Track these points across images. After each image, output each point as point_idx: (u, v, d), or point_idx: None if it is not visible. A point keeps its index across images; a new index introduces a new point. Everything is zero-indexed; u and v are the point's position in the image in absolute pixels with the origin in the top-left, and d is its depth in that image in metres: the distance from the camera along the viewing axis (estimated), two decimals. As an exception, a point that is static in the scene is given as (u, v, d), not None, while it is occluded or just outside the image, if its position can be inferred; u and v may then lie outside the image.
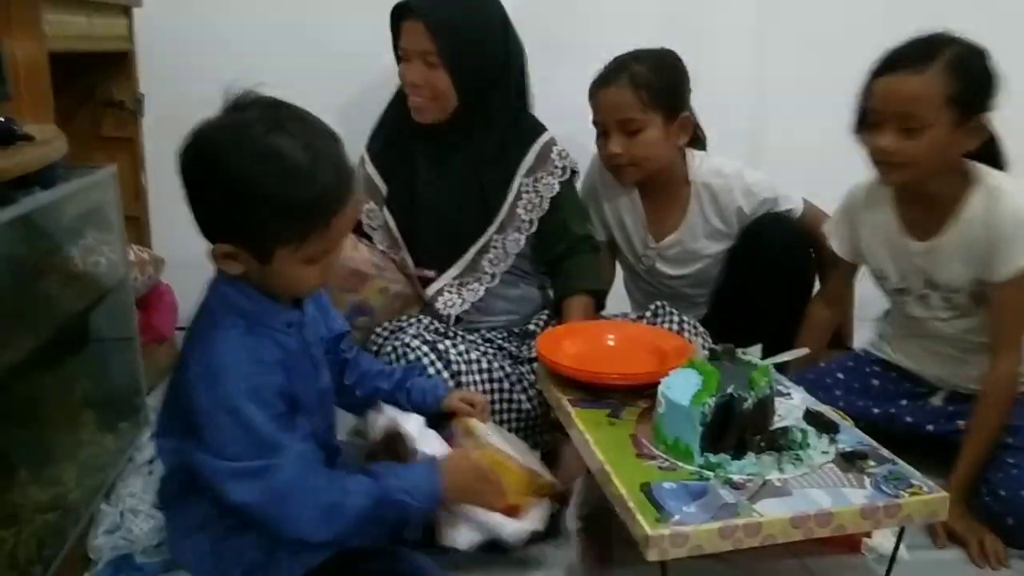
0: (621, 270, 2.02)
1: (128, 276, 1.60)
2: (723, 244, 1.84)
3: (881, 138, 1.41)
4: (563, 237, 1.78)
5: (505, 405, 1.57)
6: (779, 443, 1.19)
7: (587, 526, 1.42)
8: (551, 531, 1.36)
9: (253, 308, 1.08)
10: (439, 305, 1.73)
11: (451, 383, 1.49)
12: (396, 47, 1.72)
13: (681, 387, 1.19)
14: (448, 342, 1.56)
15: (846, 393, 1.66)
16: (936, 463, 1.37)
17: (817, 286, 1.81)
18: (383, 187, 1.77)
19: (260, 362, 1.06)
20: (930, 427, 1.57)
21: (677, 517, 1.04)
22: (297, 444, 1.06)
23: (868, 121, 1.44)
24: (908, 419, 1.60)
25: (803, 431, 1.22)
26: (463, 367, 1.53)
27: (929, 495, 1.11)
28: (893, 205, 1.54)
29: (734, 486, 1.11)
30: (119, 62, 1.92)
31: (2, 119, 1.18)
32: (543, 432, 1.61)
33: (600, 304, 1.82)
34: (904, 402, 1.63)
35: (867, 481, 1.13)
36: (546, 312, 1.81)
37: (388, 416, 1.27)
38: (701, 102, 1.83)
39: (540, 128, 1.78)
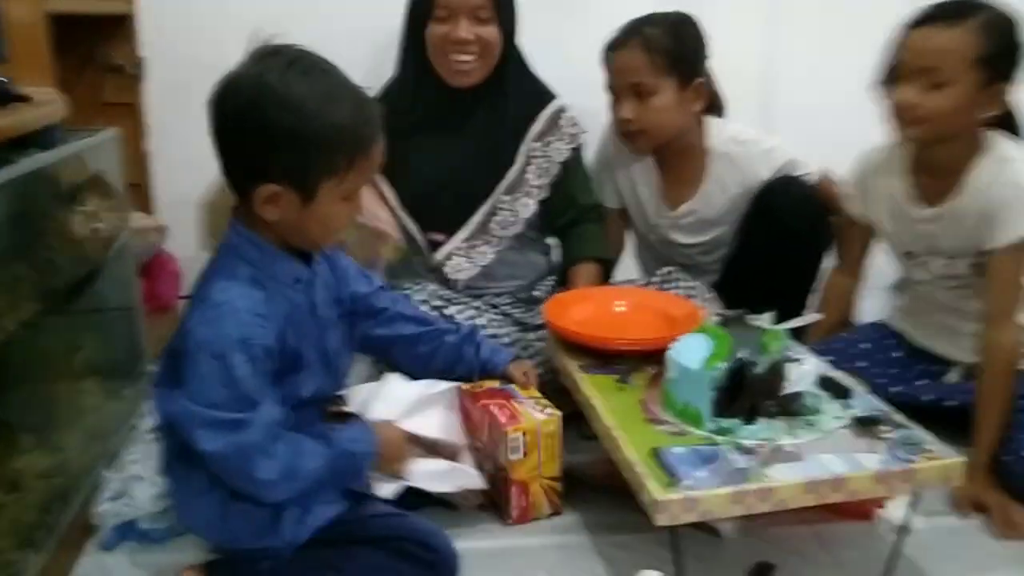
0: (632, 238, 1.99)
1: (130, 242, 1.58)
2: (739, 212, 1.81)
3: (906, 90, 1.40)
4: (572, 205, 1.77)
5: None
6: (791, 408, 1.17)
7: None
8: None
9: (263, 259, 1.10)
10: (448, 270, 1.71)
11: None
12: (428, 8, 1.64)
13: (692, 352, 1.17)
14: (455, 308, 1.56)
15: (872, 365, 1.64)
16: (960, 433, 1.34)
17: (832, 257, 1.77)
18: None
19: (258, 315, 1.06)
20: (951, 402, 1.55)
21: (687, 482, 1.02)
22: (270, 405, 1.07)
23: (895, 74, 1.42)
24: (927, 396, 1.57)
25: (816, 396, 1.20)
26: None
27: (944, 460, 1.09)
28: (904, 172, 1.52)
29: (745, 451, 1.09)
30: (119, 25, 1.89)
31: (-2, 79, 1.16)
32: (551, 398, 1.59)
33: (607, 273, 1.81)
34: (923, 381, 1.60)
35: (881, 446, 1.11)
36: (552, 278, 1.80)
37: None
38: (710, 66, 1.79)
39: (550, 94, 1.77)
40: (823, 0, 2.12)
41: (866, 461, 1.08)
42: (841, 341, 1.70)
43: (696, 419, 1.14)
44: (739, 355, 1.15)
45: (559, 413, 1.32)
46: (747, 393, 1.15)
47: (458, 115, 1.70)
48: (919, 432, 1.15)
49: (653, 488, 1.01)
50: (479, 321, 1.57)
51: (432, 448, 1.31)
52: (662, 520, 1.01)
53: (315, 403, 1.21)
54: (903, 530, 1.19)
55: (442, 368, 1.39)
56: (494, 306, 1.72)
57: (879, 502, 1.32)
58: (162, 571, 1.23)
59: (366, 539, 1.14)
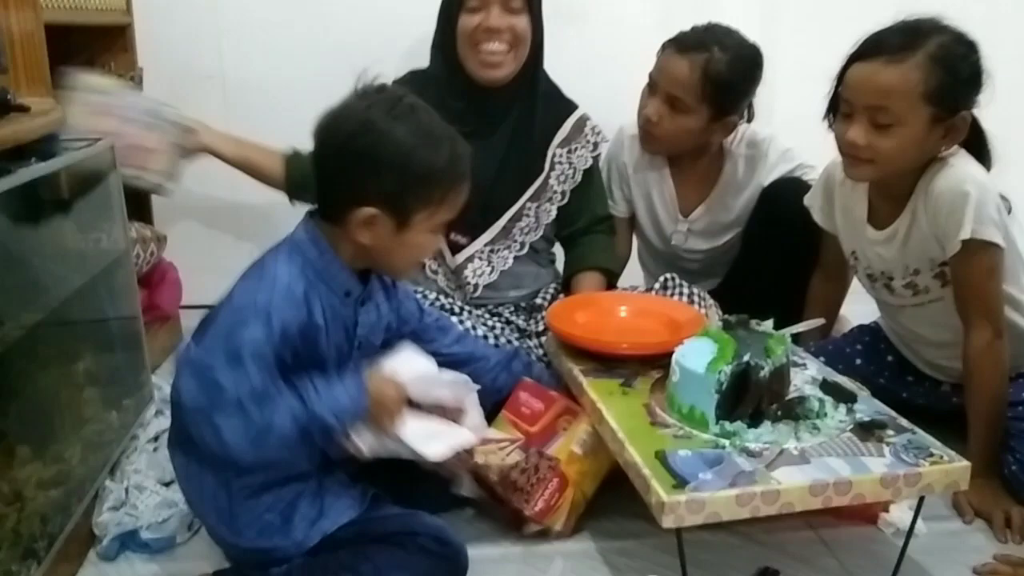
0: (637, 245, 1.99)
1: (129, 252, 1.57)
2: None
3: (851, 129, 1.34)
4: (584, 214, 1.77)
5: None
6: (796, 412, 1.17)
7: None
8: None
9: (320, 261, 1.13)
10: (467, 273, 1.70)
11: None
12: (458, 1, 1.63)
13: (696, 355, 1.16)
14: (455, 319, 1.54)
15: (866, 365, 1.64)
16: (958, 438, 1.34)
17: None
18: None
19: (292, 294, 1.09)
20: (944, 407, 1.54)
21: (693, 484, 1.02)
22: (257, 372, 1.06)
23: (840, 109, 1.37)
24: (921, 401, 1.57)
25: (820, 400, 1.20)
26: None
27: (950, 464, 1.09)
28: (865, 189, 1.49)
29: (750, 454, 1.09)
30: (117, 36, 1.89)
31: (-4, 88, 1.15)
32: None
33: (611, 285, 1.80)
34: (917, 388, 1.61)
35: (886, 450, 1.11)
36: (554, 286, 1.79)
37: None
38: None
39: (573, 103, 1.77)
40: (820, 4, 2.14)
41: (872, 465, 1.08)
42: (835, 343, 1.70)
43: (701, 422, 1.14)
44: (744, 358, 1.15)
45: None
46: (752, 396, 1.15)
47: (489, 117, 1.68)
48: (924, 436, 1.15)
49: (659, 490, 1.01)
50: (479, 331, 1.56)
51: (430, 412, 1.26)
52: (668, 522, 1.00)
53: None
54: (909, 534, 1.18)
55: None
56: (496, 314, 1.71)
57: (883, 506, 1.32)
58: (164, 581, 1.22)
59: (379, 538, 1.14)
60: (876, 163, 1.35)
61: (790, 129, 1.81)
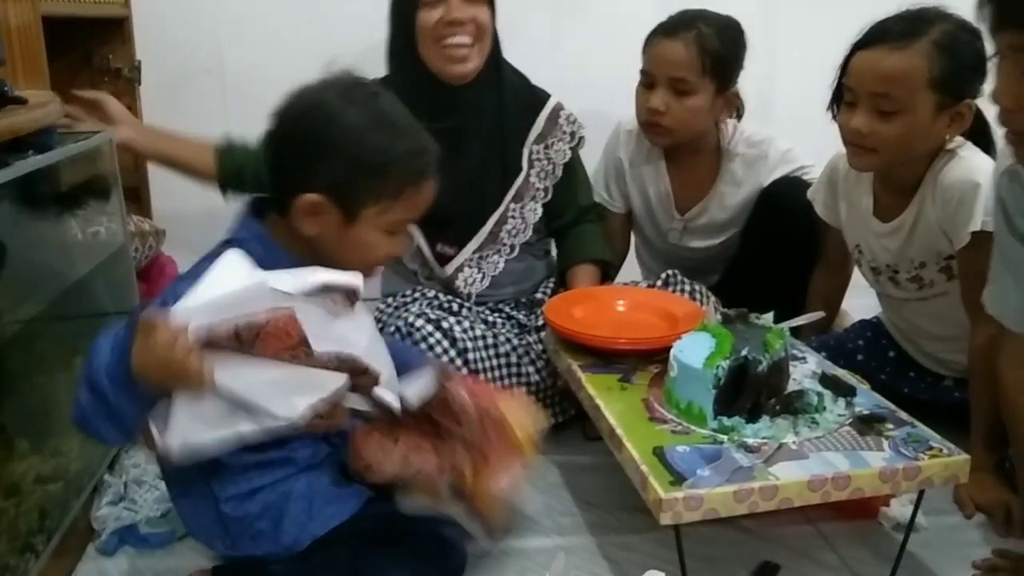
0: (635, 241, 1.98)
1: (128, 246, 1.57)
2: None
3: (855, 118, 1.34)
4: (571, 205, 1.76)
5: (513, 379, 1.56)
6: (794, 406, 1.17)
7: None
8: None
9: (266, 258, 1.03)
10: (459, 283, 1.68)
11: (458, 361, 1.48)
12: None
13: (694, 350, 1.16)
14: (453, 319, 1.52)
15: (868, 360, 1.63)
16: (960, 432, 1.33)
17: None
18: None
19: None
20: (947, 402, 1.54)
21: (691, 480, 1.01)
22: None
23: (844, 98, 1.37)
24: (923, 396, 1.56)
25: (819, 394, 1.19)
26: (469, 344, 1.50)
27: (949, 457, 1.09)
28: (871, 181, 1.49)
29: (749, 449, 1.09)
30: (116, 28, 1.88)
31: (-7, 81, 1.15)
32: (552, 403, 1.59)
33: (606, 274, 1.79)
34: (919, 383, 1.60)
35: (885, 444, 1.10)
36: (552, 280, 1.79)
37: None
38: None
39: (544, 93, 1.74)
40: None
41: (871, 459, 1.07)
42: (836, 338, 1.69)
43: (699, 417, 1.13)
44: (742, 352, 1.14)
45: None
46: (750, 391, 1.15)
47: (460, 118, 1.63)
48: (924, 430, 1.14)
49: (657, 487, 1.00)
50: (477, 330, 1.54)
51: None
52: (666, 519, 1.00)
53: None
54: (909, 528, 1.18)
55: None
56: (497, 310, 1.71)
57: (883, 500, 1.31)
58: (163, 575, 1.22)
59: (377, 536, 1.12)
60: (879, 152, 1.35)
61: (790, 125, 1.81)
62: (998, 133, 1.37)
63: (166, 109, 1.96)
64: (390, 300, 1.67)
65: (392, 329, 1.49)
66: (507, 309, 1.71)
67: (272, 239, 1.08)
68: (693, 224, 1.83)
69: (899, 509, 1.31)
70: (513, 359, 1.56)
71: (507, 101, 1.68)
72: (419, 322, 1.48)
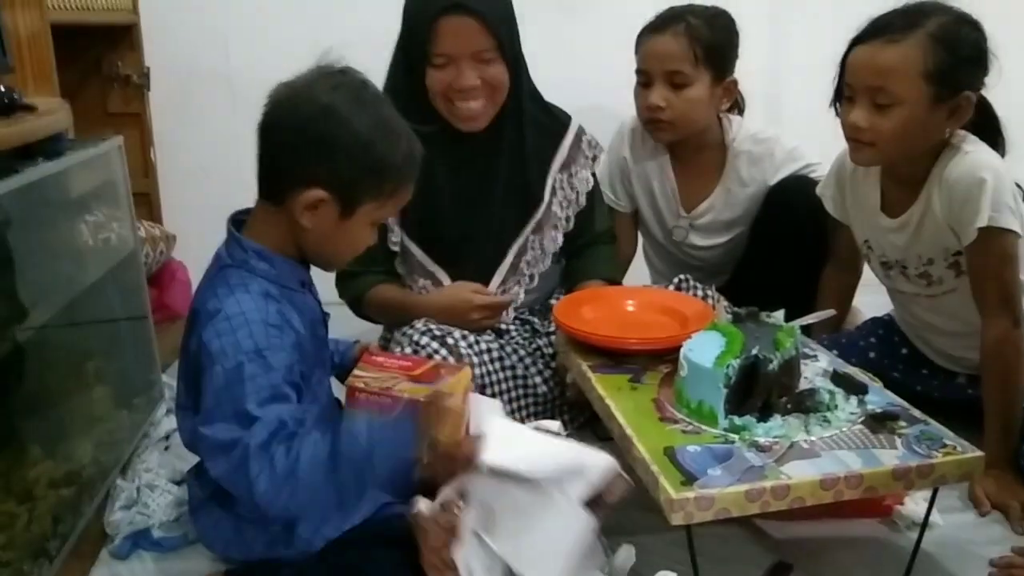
0: (642, 242, 1.97)
1: (138, 251, 1.58)
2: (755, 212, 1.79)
3: (853, 112, 1.34)
4: (587, 230, 1.73)
5: (521, 391, 1.55)
6: (806, 405, 1.16)
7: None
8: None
9: (272, 269, 1.10)
10: None
11: None
12: (422, 54, 1.50)
13: (704, 349, 1.15)
14: (458, 333, 1.50)
15: (880, 358, 1.62)
16: (974, 429, 1.32)
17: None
18: None
19: (271, 326, 1.05)
20: (960, 399, 1.52)
21: (702, 480, 1.01)
22: (270, 415, 0.99)
23: (844, 94, 1.37)
24: (936, 394, 1.55)
25: (831, 392, 1.19)
26: (475, 358, 1.48)
27: (963, 455, 1.08)
28: (877, 178, 1.48)
29: (760, 449, 1.08)
30: (124, 35, 1.90)
31: (2, 88, 1.15)
32: (560, 414, 1.59)
33: None
34: (931, 381, 1.59)
35: (898, 442, 1.09)
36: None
37: None
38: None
39: (565, 116, 1.70)
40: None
41: (884, 457, 1.06)
42: (848, 336, 1.68)
43: (710, 417, 1.13)
44: (753, 351, 1.14)
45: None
46: (761, 390, 1.14)
47: (480, 158, 1.59)
48: (938, 427, 1.13)
49: (668, 487, 1.00)
50: (483, 342, 1.52)
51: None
52: (677, 519, 0.99)
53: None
54: (923, 527, 1.17)
55: None
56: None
57: (897, 499, 1.30)
58: (176, 580, 1.22)
59: (386, 539, 1.11)
60: (878, 146, 1.35)
61: (798, 123, 1.81)
62: (1008, 126, 1.39)
63: (175, 115, 1.97)
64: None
65: (398, 349, 1.45)
66: (522, 315, 1.69)
67: (267, 248, 1.11)
68: (698, 222, 1.82)
69: (913, 508, 1.30)
70: (520, 371, 1.55)
71: (527, 134, 1.62)
72: (424, 339, 1.45)
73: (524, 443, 1.01)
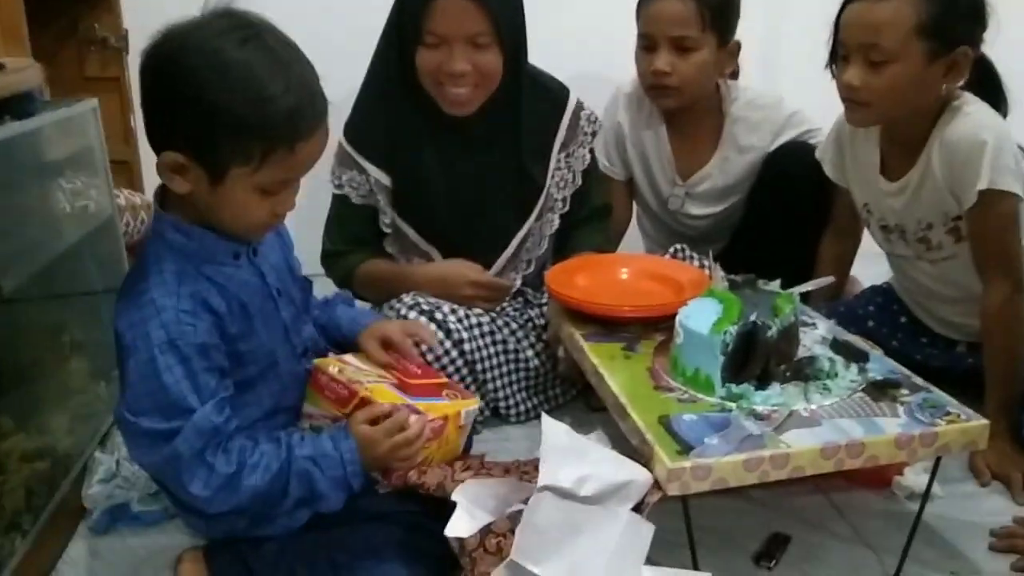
0: (637, 210, 1.93)
1: (116, 219, 1.53)
2: (753, 179, 1.75)
3: (847, 71, 1.32)
4: (583, 206, 1.68)
5: (512, 365, 1.52)
6: (805, 372, 1.13)
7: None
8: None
9: (190, 244, 1.01)
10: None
11: (454, 352, 1.43)
12: (414, 33, 1.44)
13: (700, 316, 1.12)
14: (447, 307, 1.46)
15: (879, 327, 1.59)
16: (975, 400, 1.29)
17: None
18: (387, 181, 1.56)
19: (183, 311, 0.98)
20: (960, 368, 1.50)
21: (698, 449, 0.97)
22: (210, 410, 0.98)
23: (839, 53, 1.35)
24: (936, 363, 1.52)
25: (831, 360, 1.15)
26: (464, 333, 1.45)
27: (967, 423, 1.05)
28: (877, 140, 1.45)
29: (758, 417, 1.05)
30: (101, -4, 1.83)
31: (-34, 44, 1.10)
32: (552, 388, 1.57)
33: None
34: (931, 350, 1.56)
35: (901, 410, 1.06)
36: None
37: None
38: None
39: (563, 91, 1.62)
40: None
41: (886, 425, 1.03)
42: (846, 304, 1.65)
43: (706, 385, 1.09)
44: (751, 318, 1.10)
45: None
46: (759, 357, 1.10)
47: (474, 149, 1.53)
48: (941, 395, 1.10)
49: (663, 456, 0.96)
50: (473, 319, 1.48)
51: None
52: (673, 489, 0.96)
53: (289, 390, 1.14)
54: (925, 497, 1.14)
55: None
56: None
57: (897, 469, 1.27)
58: (156, 554, 1.19)
59: (372, 515, 1.09)
60: (873, 105, 1.33)
61: (796, 87, 1.76)
62: (1010, 86, 1.35)
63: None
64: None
65: None
66: (517, 284, 1.65)
67: (182, 220, 1.01)
68: (695, 190, 1.78)
69: (913, 478, 1.27)
70: (511, 345, 1.52)
71: (523, 122, 1.55)
72: (412, 314, 1.42)
73: (579, 460, 0.98)
